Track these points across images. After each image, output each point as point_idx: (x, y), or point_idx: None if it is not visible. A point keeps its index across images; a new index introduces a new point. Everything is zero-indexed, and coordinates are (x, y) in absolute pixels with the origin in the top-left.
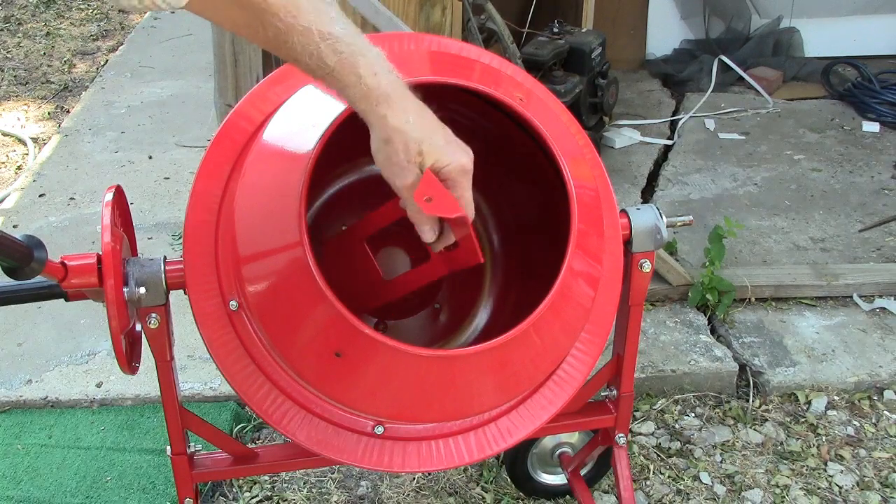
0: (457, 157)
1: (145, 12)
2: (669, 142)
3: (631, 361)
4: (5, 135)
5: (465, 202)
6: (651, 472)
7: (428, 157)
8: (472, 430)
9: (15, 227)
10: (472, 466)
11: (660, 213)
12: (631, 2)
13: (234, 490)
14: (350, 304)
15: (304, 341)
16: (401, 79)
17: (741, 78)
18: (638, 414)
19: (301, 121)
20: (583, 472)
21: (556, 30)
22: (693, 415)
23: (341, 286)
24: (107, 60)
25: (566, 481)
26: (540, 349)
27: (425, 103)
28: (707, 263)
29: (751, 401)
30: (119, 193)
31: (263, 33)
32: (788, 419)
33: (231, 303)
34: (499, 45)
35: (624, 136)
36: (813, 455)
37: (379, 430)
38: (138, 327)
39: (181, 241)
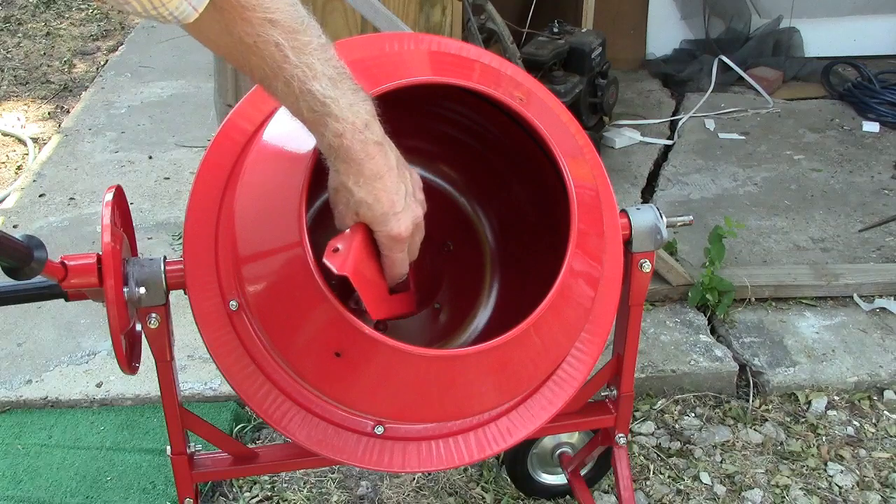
0: (390, 226)
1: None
2: (669, 142)
3: (631, 361)
4: (5, 135)
5: (391, 263)
6: (651, 472)
7: (362, 218)
8: (472, 430)
9: (15, 227)
10: (472, 466)
11: (660, 213)
12: (631, 2)
13: (234, 490)
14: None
15: (303, 341)
16: (376, 136)
17: (741, 78)
18: (638, 414)
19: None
20: (583, 472)
21: (556, 30)
22: (693, 415)
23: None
24: (107, 60)
25: (566, 481)
26: (540, 349)
27: (425, 104)
28: (707, 263)
29: (751, 401)
30: (119, 193)
31: (250, 72)
32: (788, 419)
33: (231, 303)
34: (499, 45)
35: (624, 136)
36: (813, 455)
37: (379, 430)
38: (138, 327)
39: (181, 241)
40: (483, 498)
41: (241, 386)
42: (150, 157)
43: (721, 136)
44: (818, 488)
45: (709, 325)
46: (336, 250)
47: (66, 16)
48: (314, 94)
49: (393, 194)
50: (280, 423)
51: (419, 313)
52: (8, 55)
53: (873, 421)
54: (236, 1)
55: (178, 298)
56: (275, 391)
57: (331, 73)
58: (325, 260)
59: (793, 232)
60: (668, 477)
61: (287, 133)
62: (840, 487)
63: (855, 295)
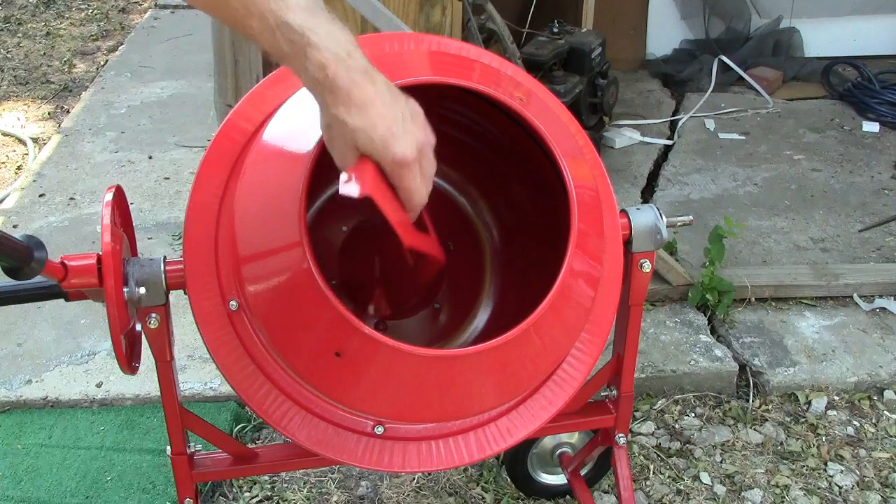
0: (392, 150)
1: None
2: (669, 142)
3: (631, 361)
4: (5, 135)
5: (406, 193)
6: (651, 472)
7: (363, 149)
8: (472, 430)
9: (15, 227)
10: (472, 466)
11: (660, 213)
12: (631, 2)
13: (234, 490)
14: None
15: (303, 341)
16: (359, 63)
17: (741, 78)
18: (638, 414)
19: (301, 121)
20: (583, 472)
21: (556, 30)
22: (693, 415)
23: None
24: (107, 60)
25: (566, 481)
26: (540, 349)
27: (425, 104)
28: (707, 263)
29: (751, 401)
30: (119, 193)
31: (224, 16)
32: (788, 419)
33: (231, 303)
34: (499, 45)
35: (624, 136)
36: (813, 455)
37: (379, 430)
38: (138, 327)
39: (181, 241)
40: (483, 498)
41: (241, 386)
42: (150, 157)
43: (721, 136)
44: (818, 488)
45: (709, 325)
46: (349, 179)
47: (66, 16)
48: (290, 25)
49: (388, 118)
50: (280, 423)
51: (419, 314)
52: (8, 55)
53: (873, 421)
54: None
55: (178, 298)
56: (275, 391)
57: (304, 3)
58: (341, 190)
59: (793, 232)
60: (668, 477)
61: (287, 133)
62: (840, 487)
63: (855, 295)
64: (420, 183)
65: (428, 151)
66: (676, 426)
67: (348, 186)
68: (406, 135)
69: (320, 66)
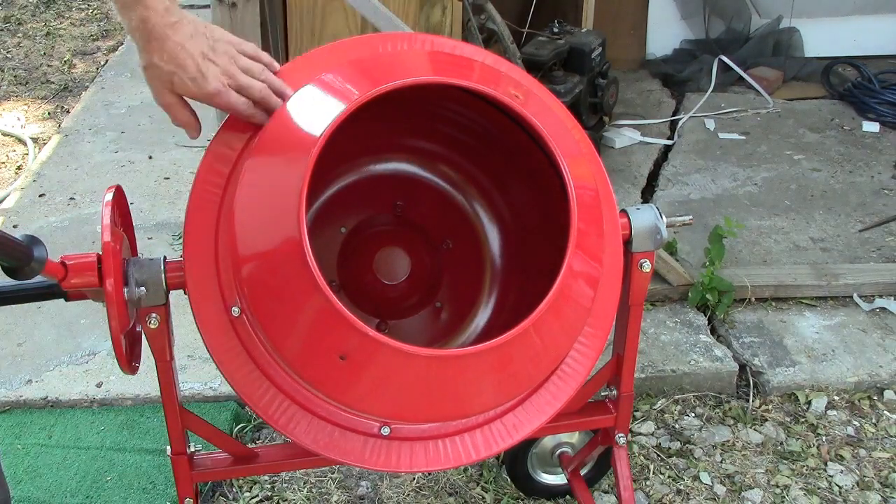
0: (202, 90)
1: None
2: (669, 142)
3: (631, 361)
4: (5, 135)
5: (233, 107)
6: (651, 472)
7: (177, 89)
8: (472, 430)
9: (15, 227)
10: (472, 466)
11: (660, 213)
12: (631, 2)
13: (234, 490)
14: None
15: (302, 341)
16: (173, 17)
17: (741, 78)
18: (638, 414)
19: (301, 121)
20: (583, 472)
21: (556, 30)
22: (693, 415)
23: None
24: (107, 60)
25: (566, 481)
26: (540, 349)
27: (425, 104)
28: (707, 263)
29: (751, 401)
30: (119, 193)
31: None
32: (788, 419)
33: (233, 309)
34: (499, 45)
35: (624, 136)
36: (813, 455)
37: (385, 430)
38: (138, 327)
39: (181, 241)
40: (483, 498)
41: (242, 388)
42: (150, 157)
43: (721, 136)
44: (818, 488)
45: (709, 325)
46: None
47: (66, 16)
48: None
49: (195, 58)
50: (286, 426)
51: (419, 313)
52: (8, 55)
53: (873, 421)
54: None
55: (178, 298)
56: (281, 396)
57: None
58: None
59: (793, 232)
60: (668, 477)
61: (287, 133)
62: (840, 487)
63: (855, 295)
64: (237, 97)
65: (233, 64)
66: (676, 426)
67: None
68: (209, 70)
69: (143, 19)
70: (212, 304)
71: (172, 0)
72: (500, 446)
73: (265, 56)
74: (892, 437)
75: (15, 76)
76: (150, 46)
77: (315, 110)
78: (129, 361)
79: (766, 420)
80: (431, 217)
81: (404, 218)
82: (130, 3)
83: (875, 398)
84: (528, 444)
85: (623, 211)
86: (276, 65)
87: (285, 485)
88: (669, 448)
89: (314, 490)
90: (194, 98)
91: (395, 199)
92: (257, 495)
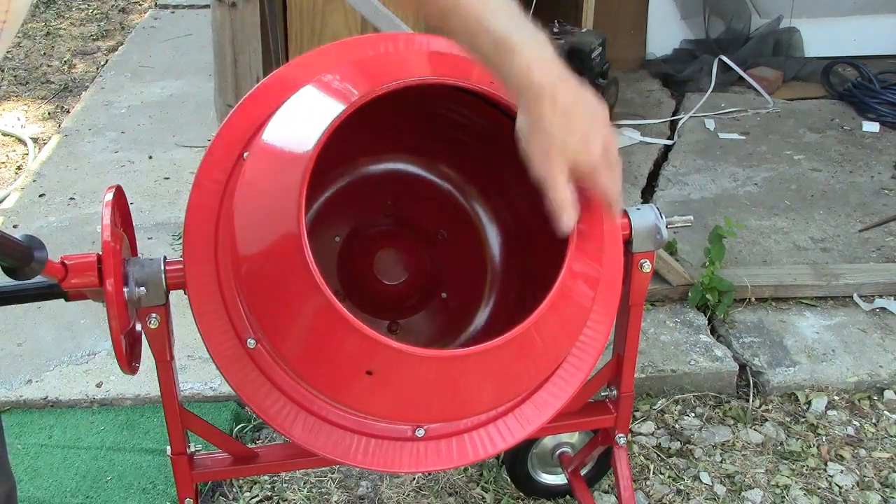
0: (588, 155)
1: None
2: (669, 142)
3: (631, 361)
4: (5, 135)
5: (603, 189)
6: (651, 472)
7: (566, 155)
8: (472, 430)
9: (15, 227)
10: (472, 466)
11: (660, 213)
12: (631, 2)
13: (234, 490)
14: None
15: (301, 340)
16: (558, 67)
17: (741, 78)
18: (638, 414)
19: (301, 121)
20: (583, 472)
21: (556, 30)
22: (693, 415)
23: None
24: (107, 60)
25: (566, 481)
26: (540, 349)
27: (425, 104)
28: (707, 263)
29: (751, 401)
30: (119, 193)
31: (426, 8)
32: (788, 419)
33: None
34: None
35: (624, 136)
36: (813, 455)
37: (420, 432)
38: (138, 327)
39: (181, 241)
40: (483, 498)
41: (243, 389)
42: (150, 157)
43: (721, 136)
44: (818, 488)
45: (709, 325)
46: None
47: (66, 16)
48: (493, 27)
49: (586, 121)
50: (286, 427)
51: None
52: (8, 55)
53: (873, 421)
54: None
55: (178, 298)
56: (283, 398)
57: (505, 5)
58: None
59: (793, 232)
60: (668, 477)
61: (287, 133)
62: (840, 487)
63: (855, 295)
64: (610, 177)
65: (612, 146)
66: (676, 426)
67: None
68: (596, 135)
69: (525, 69)
70: (212, 304)
71: (550, 47)
72: (500, 446)
73: None
74: (892, 437)
75: (15, 76)
76: (538, 103)
77: (315, 110)
78: (129, 361)
79: (766, 420)
80: (423, 212)
81: (397, 217)
82: (501, 51)
83: (875, 398)
84: (529, 444)
85: (623, 211)
86: None
87: (285, 485)
88: (669, 448)
89: (314, 490)
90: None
91: (386, 199)
92: (257, 495)
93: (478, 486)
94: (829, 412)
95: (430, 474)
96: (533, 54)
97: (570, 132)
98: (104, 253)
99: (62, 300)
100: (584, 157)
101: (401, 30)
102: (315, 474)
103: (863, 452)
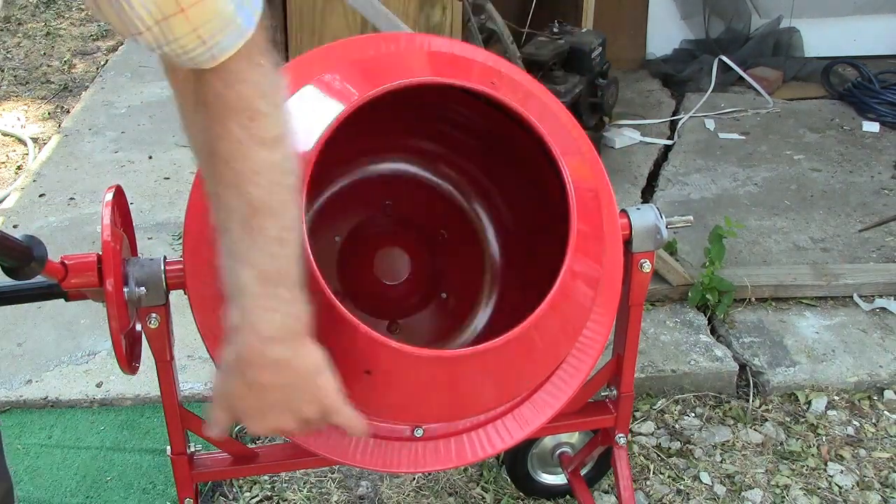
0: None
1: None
2: (669, 142)
3: (631, 361)
4: (5, 135)
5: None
6: (651, 472)
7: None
8: (472, 430)
9: (15, 227)
10: (472, 466)
11: (660, 213)
12: (631, 2)
13: (234, 490)
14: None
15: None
16: (273, 353)
17: (741, 78)
18: (638, 414)
19: (301, 121)
20: (583, 472)
21: (556, 30)
22: (693, 415)
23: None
24: (107, 60)
25: (566, 481)
26: (540, 349)
27: (425, 104)
28: (707, 263)
29: (751, 401)
30: (119, 193)
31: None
32: (788, 419)
33: None
34: (499, 45)
35: (624, 136)
36: (813, 455)
37: (419, 432)
38: (138, 327)
39: (181, 241)
40: (483, 498)
41: None
42: (150, 157)
43: (721, 136)
44: (818, 488)
45: (709, 325)
46: None
47: (66, 16)
48: (239, 280)
49: (254, 406)
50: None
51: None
52: (8, 55)
53: (873, 421)
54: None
55: (178, 298)
56: None
57: (268, 267)
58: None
59: (793, 232)
60: (668, 477)
61: None
62: (840, 487)
63: (855, 295)
64: (342, 418)
65: (328, 399)
66: (676, 426)
67: None
68: (263, 419)
69: (245, 342)
70: (211, 304)
71: (295, 325)
72: (500, 447)
73: None
74: (892, 437)
75: (15, 76)
76: (242, 366)
77: (314, 111)
78: (129, 361)
79: (766, 420)
80: (423, 212)
81: (396, 217)
82: (231, 296)
83: (875, 398)
84: (529, 444)
85: (623, 211)
86: None
87: (285, 485)
88: (669, 448)
89: (314, 490)
90: None
91: (386, 199)
92: (257, 495)
93: (478, 486)
94: (829, 412)
95: (429, 474)
96: (257, 334)
97: (263, 404)
98: (104, 253)
99: (62, 300)
100: (293, 419)
101: (401, 30)
102: (315, 474)
103: (863, 452)
